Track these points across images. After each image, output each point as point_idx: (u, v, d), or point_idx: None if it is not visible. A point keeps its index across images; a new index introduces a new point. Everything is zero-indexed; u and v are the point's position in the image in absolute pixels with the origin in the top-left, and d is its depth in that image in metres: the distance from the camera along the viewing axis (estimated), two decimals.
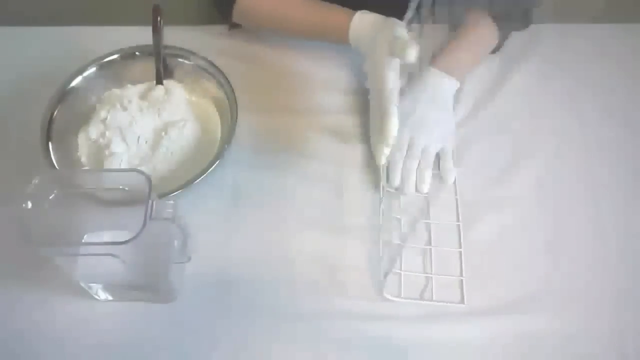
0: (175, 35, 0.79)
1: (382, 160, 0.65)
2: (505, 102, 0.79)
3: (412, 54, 0.60)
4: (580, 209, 0.70)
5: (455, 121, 0.76)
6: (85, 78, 0.76)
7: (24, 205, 0.54)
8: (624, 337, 0.62)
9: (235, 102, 0.72)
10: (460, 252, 0.67)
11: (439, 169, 0.73)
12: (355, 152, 0.76)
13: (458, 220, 0.69)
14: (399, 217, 0.70)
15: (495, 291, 0.65)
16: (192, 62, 0.78)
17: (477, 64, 0.80)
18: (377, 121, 0.66)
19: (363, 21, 0.73)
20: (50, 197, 0.57)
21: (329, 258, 0.67)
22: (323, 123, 0.78)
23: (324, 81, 0.82)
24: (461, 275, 0.66)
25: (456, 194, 0.71)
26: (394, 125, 0.62)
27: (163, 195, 0.64)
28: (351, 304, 0.64)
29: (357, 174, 0.74)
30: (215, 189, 0.71)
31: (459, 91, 0.77)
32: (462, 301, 0.64)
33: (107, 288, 0.63)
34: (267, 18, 0.80)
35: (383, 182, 0.71)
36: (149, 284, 0.62)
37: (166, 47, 0.78)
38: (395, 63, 0.65)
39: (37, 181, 0.55)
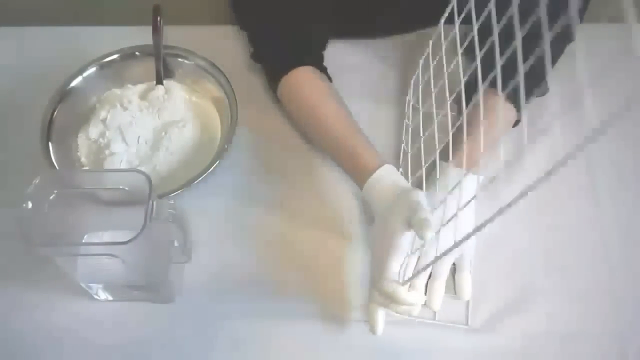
0: (175, 35, 0.79)
1: (379, 330, 0.57)
2: None
3: (428, 236, 0.53)
4: (580, 209, 0.70)
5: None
6: (85, 78, 0.76)
7: (24, 205, 0.54)
8: (624, 337, 0.62)
9: (236, 102, 0.72)
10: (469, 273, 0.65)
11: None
12: None
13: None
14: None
15: (495, 291, 0.65)
16: (192, 62, 0.78)
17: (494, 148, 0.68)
18: (377, 281, 0.57)
19: (383, 181, 0.62)
20: (50, 197, 0.57)
21: (329, 258, 0.67)
22: None
23: None
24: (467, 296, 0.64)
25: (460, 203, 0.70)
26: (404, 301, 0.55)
27: (163, 195, 0.64)
28: (351, 304, 0.64)
29: None
30: (215, 189, 0.71)
31: None
32: (466, 322, 0.63)
33: (107, 288, 0.63)
34: (298, 124, 0.76)
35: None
36: (149, 284, 0.62)
37: (166, 47, 0.78)
38: (408, 235, 0.57)
39: (37, 181, 0.55)
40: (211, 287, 0.65)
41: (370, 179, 0.63)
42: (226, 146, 0.69)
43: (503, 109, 0.70)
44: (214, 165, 0.67)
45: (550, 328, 0.63)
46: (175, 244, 0.61)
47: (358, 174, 0.65)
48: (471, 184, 0.67)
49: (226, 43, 0.85)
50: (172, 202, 0.56)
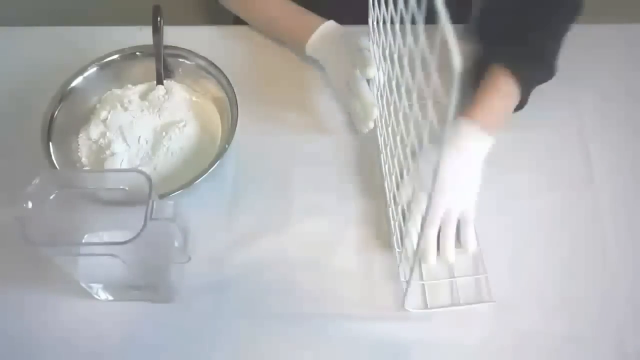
0: (175, 35, 0.79)
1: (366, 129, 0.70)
2: None
3: (372, 72, 0.65)
4: (580, 209, 0.70)
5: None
6: (85, 78, 0.76)
7: (24, 205, 0.54)
8: (624, 337, 0.62)
9: (236, 102, 0.72)
10: (480, 250, 0.67)
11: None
12: (360, 154, 0.75)
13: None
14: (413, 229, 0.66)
15: (494, 291, 0.65)
16: (192, 62, 0.78)
17: (508, 118, 0.72)
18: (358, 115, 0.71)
19: (328, 32, 0.76)
20: (51, 197, 0.57)
21: (329, 259, 0.67)
22: (325, 123, 0.78)
23: (326, 81, 0.82)
24: (485, 272, 0.66)
25: None
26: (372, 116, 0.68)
27: (163, 195, 0.64)
28: (352, 304, 0.64)
29: (360, 175, 0.74)
30: (215, 189, 0.71)
31: None
32: (491, 299, 0.64)
33: (107, 288, 0.63)
34: (242, 6, 0.84)
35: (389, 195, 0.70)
36: (149, 284, 0.62)
37: (166, 47, 0.78)
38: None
39: (37, 181, 0.55)
40: (211, 287, 0.65)
41: (315, 33, 0.75)
42: (226, 146, 0.69)
43: (509, 85, 0.71)
44: (214, 166, 0.67)
45: (550, 328, 0.63)
46: (175, 244, 0.61)
47: (303, 32, 0.77)
48: (485, 144, 0.69)
49: (226, 43, 0.85)
50: (172, 202, 0.56)
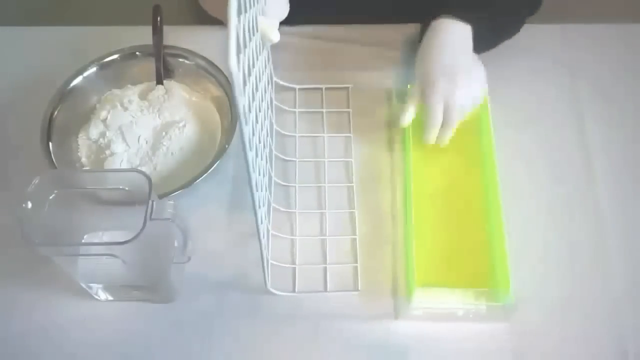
0: (175, 35, 0.79)
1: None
2: (504, 101, 0.79)
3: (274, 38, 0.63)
4: (581, 209, 0.70)
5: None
6: (85, 78, 0.76)
7: (24, 205, 0.54)
8: (624, 337, 0.62)
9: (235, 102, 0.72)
10: (355, 239, 0.68)
11: None
12: (360, 153, 0.75)
13: (352, 208, 0.71)
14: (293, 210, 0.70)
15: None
16: (192, 62, 0.78)
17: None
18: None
19: None
20: (50, 197, 0.57)
21: (328, 259, 0.67)
22: (325, 123, 0.78)
23: (325, 80, 0.82)
24: (355, 262, 0.67)
25: (352, 182, 0.72)
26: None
27: (163, 195, 0.64)
28: (351, 304, 0.64)
29: (360, 174, 0.74)
30: (215, 189, 0.71)
31: None
32: (356, 288, 0.65)
33: (107, 288, 0.63)
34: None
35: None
36: (149, 284, 0.62)
37: (166, 47, 0.78)
38: None
39: (37, 181, 0.55)
40: (211, 287, 0.65)
41: None
42: (226, 146, 0.69)
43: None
44: (214, 165, 0.67)
45: (550, 328, 0.63)
46: (175, 244, 0.61)
47: None
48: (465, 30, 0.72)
49: (226, 43, 0.85)
50: (172, 202, 0.56)
